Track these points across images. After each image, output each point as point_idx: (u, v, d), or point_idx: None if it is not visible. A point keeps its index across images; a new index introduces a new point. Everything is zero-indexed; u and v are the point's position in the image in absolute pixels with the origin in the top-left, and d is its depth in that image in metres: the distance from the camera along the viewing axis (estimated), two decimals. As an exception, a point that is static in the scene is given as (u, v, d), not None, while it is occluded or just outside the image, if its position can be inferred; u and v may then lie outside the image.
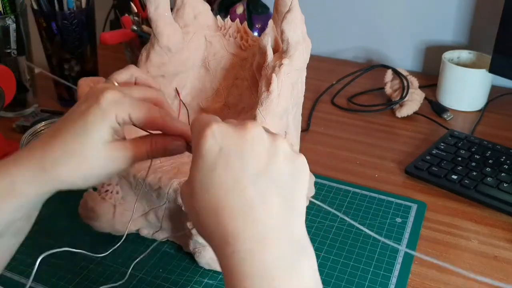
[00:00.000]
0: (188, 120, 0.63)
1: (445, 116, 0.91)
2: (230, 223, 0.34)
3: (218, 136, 0.36)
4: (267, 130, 0.38)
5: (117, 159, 0.42)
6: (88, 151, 0.41)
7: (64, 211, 0.67)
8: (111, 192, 0.60)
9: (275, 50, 0.57)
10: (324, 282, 0.57)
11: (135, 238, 0.63)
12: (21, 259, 0.60)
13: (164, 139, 0.44)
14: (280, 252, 0.33)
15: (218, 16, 0.67)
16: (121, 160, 0.42)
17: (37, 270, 0.59)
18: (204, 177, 0.35)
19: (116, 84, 0.46)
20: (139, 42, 0.90)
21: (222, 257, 0.34)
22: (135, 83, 0.48)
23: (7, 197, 0.40)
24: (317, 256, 0.60)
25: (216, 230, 0.34)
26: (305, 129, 0.87)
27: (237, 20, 0.66)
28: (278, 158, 0.36)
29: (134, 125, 0.43)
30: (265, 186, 0.34)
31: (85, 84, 0.56)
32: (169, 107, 0.47)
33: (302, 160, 0.38)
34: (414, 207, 0.68)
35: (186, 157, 0.61)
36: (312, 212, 0.67)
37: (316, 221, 0.66)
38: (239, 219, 0.34)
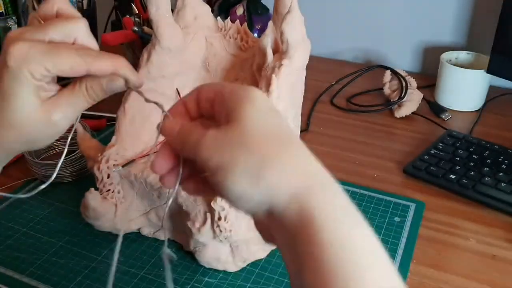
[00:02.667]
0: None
1: (443, 116, 0.91)
2: (305, 158, 0.33)
3: (262, 97, 0.34)
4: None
5: (55, 121, 0.37)
6: (19, 122, 0.36)
7: (66, 210, 0.68)
8: (113, 192, 0.60)
9: (275, 51, 0.58)
10: (323, 280, 0.57)
11: (136, 237, 0.63)
12: (22, 258, 0.60)
13: (99, 80, 0.38)
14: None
15: (218, 17, 0.68)
16: (61, 120, 0.38)
17: (37, 270, 0.59)
18: (263, 118, 0.33)
19: (41, 21, 0.38)
20: (140, 43, 0.90)
21: (310, 200, 0.31)
22: (57, 16, 0.39)
23: None
24: (317, 255, 0.61)
25: (295, 167, 0.32)
26: (304, 129, 0.87)
27: (237, 21, 0.67)
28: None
29: (58, 76, 0.37)
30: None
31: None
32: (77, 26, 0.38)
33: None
34: (413, 206, 0.69)
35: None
36: (312, 212, 0.67)
37: (316, 221, 0.66)
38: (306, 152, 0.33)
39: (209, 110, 0.36)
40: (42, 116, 0.37)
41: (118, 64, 0.37)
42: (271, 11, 1.04)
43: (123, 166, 0.59)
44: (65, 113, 0.38)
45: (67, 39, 0.37)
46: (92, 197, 0.58)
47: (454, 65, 0.93)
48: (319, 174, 0.33)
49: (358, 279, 0.30)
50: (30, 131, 0.37)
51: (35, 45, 0.35)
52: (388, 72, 0.97)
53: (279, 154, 0.32)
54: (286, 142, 0.33)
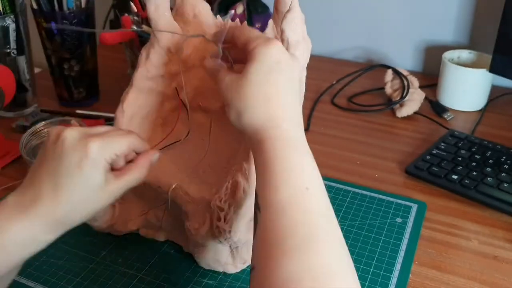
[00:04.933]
0: (188, 120, 0.63)
1: (446, 116, 0.91)
2: (276, 110, 0.46)
3: (280, 49, 0.47)
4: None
5: (115, 192, 0.48)
6: (92, 198, 0.47)
7: (64, 211, 0.67)
8: (111, 192, 0.59)
9: (275, 50, 0.57)
10: (324, 282, 0.57)
11: (135, 238, 0.63)
12: (20, 259, 0.60)
13: (148, 159, 0.51)
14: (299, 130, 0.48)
15: (218, 16, 0.67)
16: (119, 192, 0.49)
17: (35, 271, 0.59)
18: (261, 76, 0.46)
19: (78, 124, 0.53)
20: (139, 42, 0.90)
21: (265, 136, 0.45)
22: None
23: (28, 248, 0.46)
24: (317, 256, 0.60)
25: (263, 115, 0.46)
26: (305, 129, 0.86)
27: (237, 19, 0.66)
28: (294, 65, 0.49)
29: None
30: (298, 90, 0.49)
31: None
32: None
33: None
34: (414, 207, 0.68)
35: (186, 158, 0.61)
36: (312, 212, 0.67)
37: (316, 221, 0.66)
38: (285, 108, 0.47)
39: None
40: (107, 192, 0.48)
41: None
42: (271, 9, 1.04)
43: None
44: (121, 186, 0.49)
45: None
46: (91, 198, 0.58)
47: (456, 64, 0.92)
48: (278, 119, 0.46)
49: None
50: (99, 205, 0.48)
51: (106, 138, 0.48)
52: (389, 72, 0.96)
53: (255, 103, 0.46)
54: (268, 96, 0.46)
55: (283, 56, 0.47)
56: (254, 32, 0.49)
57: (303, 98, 0.61)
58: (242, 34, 0.49)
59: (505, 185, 0.69)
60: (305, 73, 0.59)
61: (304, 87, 0.60)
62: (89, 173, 0.47)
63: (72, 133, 0.48)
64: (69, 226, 0.48)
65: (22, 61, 0.88)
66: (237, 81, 0.47)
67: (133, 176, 0.49)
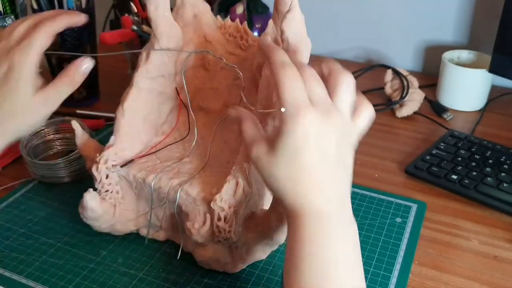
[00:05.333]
0: (188, 120, 0.63)
1: (445, 116, 0.91)
2: (307, 195, 0.42)
3: (310, 120, 0.41)
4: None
5: (47, 102, 0.50)
6: (22, 109, 0.49)
7: (64, 211, 0.68)
8: (111, 192, 0.60)
9: (275, 50, 0.57)
10: (324, 282, 0.57)
11: (135, 238, 0.63)
12: (21, 259, 0.60)
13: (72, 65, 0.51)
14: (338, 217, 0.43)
15: (218, 16, 0.67)
16: (51, 101, 0.51)
17: (36, 271, 0.59)
18: (287, 158, 0.42)
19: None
20: (139, 42, 0.90)
21: (294, 218, 0.42)
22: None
23: None
24: (317, 256, 0.60)
25: (292, 197, 0.42)
26: (305, 129, 0.87)
27: (237, 20, 0.66)
28: (347, 146, 0.44)
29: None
30: (334, 169, 0.43)
31: None
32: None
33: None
34: (414, 207, 0.68)
35: (187, 157, 0.61)
36: (312, 212, 0.67)
37: (316, 221, 0.66)
38: (314, 192, 0.42)
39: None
40: (39, 101, 0.49)
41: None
42: (271, 9, 1.04)
43: (122, 167, 0.58)
44: (53, 97, 0.50)
45: None
46: (91, 198, 0.58)
47: (456, 64, 0.92)
48: (308, 198, 0.42)
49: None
50: (31, 114, 0.50)
51: (26, 45, 0.49)
52: (389, 72, 0.96)
53: (284, 186, 0.43)
54: (295, 178, 0.42)
55: (311, 128, 0.41)
56: (287, 87, 0.42)
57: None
58: (278, 84, 0.43)
59: (504, 185, 0.69)
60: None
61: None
62: (14, 84, 0.48)
63: None
64: (4, 138, 0.49)
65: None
66: (267, 158, 0.43)
67: (62, 83, 0.50)
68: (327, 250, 0.41)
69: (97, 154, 0.59)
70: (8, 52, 0.49)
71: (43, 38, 0.49)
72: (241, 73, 0.57)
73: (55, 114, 0.89)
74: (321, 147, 0.42)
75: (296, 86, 0.42)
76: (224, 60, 0.60)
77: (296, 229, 0.42)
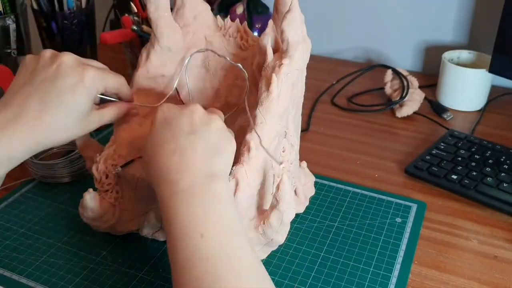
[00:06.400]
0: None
1: (445, 116, 0.91)
2: (165, 163, 0.46)
3: (165, 110, 0.50)
4: (209, 111, 0.51)
5: (93, 123, 0.53)
6: (74, 124, 0.51)
7: (64, 211, 0.68)
8: (111, 192, 0.60)
9: (275, 50, 0.57)
10: (324, 282, 0.57)
11: (135, 238, 0.63)
12: (21, 259, 0.60)
13: (127, 105, 0.57)
14: (198, 177, 0.46)
15: (218, 16, 0.67)
16: (94, 124, 0.53)
17: (36, 271, 0.59)
18: (153, 138, 0.48)
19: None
20: (139, 42, 0.90)
21: (164, 189, 0.46)
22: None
23: (3, 166, 0.48)
24: (317, 256, 0.60)
25: (157, 171, 0.47)
26: (305, 129, 0.87)
27: (237, 20, 0.66)
28: (209, 126, 0.48)
29: (103, 94, 0.53)
30: (194, 138, 0.47)
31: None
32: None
33: (230, 136, 0.50)
34: (414, 207, 0.68)
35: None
36: (312, 212, 0.67)
37: (316, 221, 0.66)
38: (171, 159, 0.46)
39: None
40: (88, 119, 0.52)
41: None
42: (271, 10, 1.04)
43: (122, 167, 0.58)
44: (99, 119, 0.54)
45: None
46: (91, 198, 0.58)
47: (456, 64, 0.92)
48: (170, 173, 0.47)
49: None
50: (78, 131, 0.52)
51: (101, 71, 0.52)
52: (389, 72, 0.97)
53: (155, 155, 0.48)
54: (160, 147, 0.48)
55: (170, 112, 0.49)
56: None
57: (303, 98, 0.61)
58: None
59: (504, 185, 0.69)
60: (305, 73, 0.59)
61: (304, 87, 0.60)
62: (80, 98, 0.50)
63: (69, 58, 0.50)
64: (44, 147, 0.50)
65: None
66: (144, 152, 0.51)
67: (111, 112, 0.54)
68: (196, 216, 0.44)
69: (97, 154, 0.59)
70: (81, 66, 0.50)
71: (115, 80, 0.53)
72: (246, 72, 0.57)
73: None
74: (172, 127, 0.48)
75: None
76: (228, 58, 0.60)
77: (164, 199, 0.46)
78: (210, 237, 0.42)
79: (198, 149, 0.47)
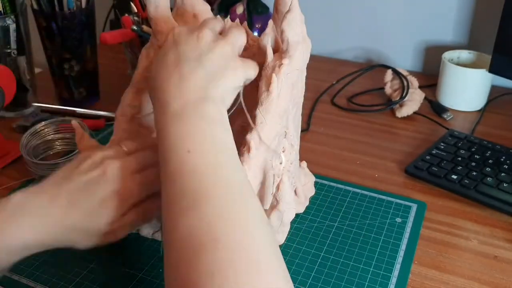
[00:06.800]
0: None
1: (445, 116, 0.91)
2: (163, 85, 0.48)
3: (176, 33, 0.52)
4: (219, 32, 0.53)
5: (115, 235, 0.54)
6: (99, 221, 0.52)
7: (64, 211, 0.67)
8: (111, 192, 0.59)
9: (275, 50, 0.57)
10: (324, 282, 0.57)
11: (135, 238, 0.63)
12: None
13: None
14: (191, 100, 0.47)
15: (218, 16, 0.67)
16: (123, 230, 0.54)
17: (36, 271, 0.59)
18: (159, 58, 0.51)
19: (125, 149, 0.55)
20: (139, 42, 0.90)
21: (158, 108, 0.48)
22: None
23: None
24: (317, 256, 0.60)
25: (156, 91, 0.49)
26: (305, 129, 0.87)
27: (237, 20, 0.66)
28: (213, 53, 0.49)
29: None
30: (194, 66, 0.48)
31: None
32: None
33: (235, 62, 0.51)
34: (414, 207, 0.68)
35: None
36: (312, 212, 0.67)
37: (316, 221, 0.66)
38: (169, 82, 0.48)
39: None
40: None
41: None
42: (271, 10, 1.04)
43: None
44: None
45: None
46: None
47: (456, 64, 0.92)
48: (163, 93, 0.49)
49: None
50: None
51: (125, 161, 0.53)
52: (389, 72, 0.97)
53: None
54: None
55: (180, 36, 0.51)
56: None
57: (303, 98, 0.61)
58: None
59: (504, 185, 0.69)
60: (305, 73, 0.59)
61: (304, 87, 0.60)
62: (103, 197, 0.50)
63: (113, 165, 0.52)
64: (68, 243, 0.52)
65: (22, 61, 0.89)
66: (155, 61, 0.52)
67: (135, 222, 0.54)
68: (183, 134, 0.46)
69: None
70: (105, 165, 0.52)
71: (138, 188, 0.53)
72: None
73: (55, 114, 0.89)
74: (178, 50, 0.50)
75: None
76: None
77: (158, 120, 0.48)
78: (196, 153, 0.44)
79: (197, 76, 0.48)
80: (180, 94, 0.47)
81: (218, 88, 0.49)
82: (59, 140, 0.79)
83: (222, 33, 0.53)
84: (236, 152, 0.47)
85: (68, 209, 0.49)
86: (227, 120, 0.49)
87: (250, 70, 0.53)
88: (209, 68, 0.49)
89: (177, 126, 0.46)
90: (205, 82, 0.48)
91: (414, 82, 0.94)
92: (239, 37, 0.53)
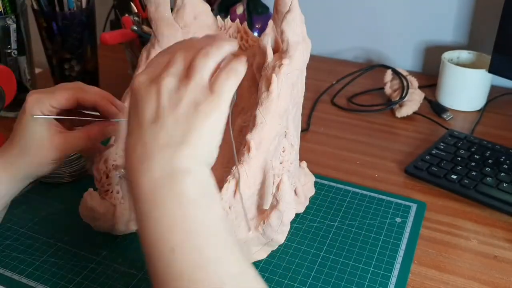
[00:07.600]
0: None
1: (445, 116, 0.91)
2: (130, 157, 0.41)
3: (136, 88, 0.43)
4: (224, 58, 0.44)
5: (60, 148, 0.55)
6: (36, 147, 0.55)
7: (65, 211, 0.68)
8: (111, 192, 0.60)
9: (275, 50, 0.57)
10: (324, 282, 0.57)
11: (135, 238, 0.63)
12: (21, 259, 0.60)
13: (98, 125, 0.57)
14: (159, 177, 0.40)
15: (218, 16, 0.67)
16: (64, 149, 0.56)
17: (36, 270, 0.59)
18: (127, 123, 0.43)
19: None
20: (139, 42, 0.90)
21: (130, 187, 0.42)
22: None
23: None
24: (317, 256, 0.60)
25: (126, 163, 0.42)
26: (305, 129, 0.87)
27: (237, 20, 0.66)
28: (176, 108, 0.41)
29: (63, 111, 0.56)
30: (156, 129, 0.41)
31: None
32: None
33: (207, 109, 0.41)
34: (414, 207, 0.68)
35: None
36: (312, 212, 0.67)
37: (316, 221, 0.66)
38: (134, 153, 0.41)
39: None
40: (52, 144, 0.55)
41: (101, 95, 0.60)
42: (271, 10, 1.04)
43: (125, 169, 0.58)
44: (67, 144, 0.56)
45: None
46: (91, 198, 0.58)
47: (456, 64, 0.92)
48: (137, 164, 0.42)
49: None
50: (44, 154, 0.55)
51: (43, 92, 0.55)
52: (389, 72, 0.97)
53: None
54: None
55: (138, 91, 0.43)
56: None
57: (302, 98, 0.61)
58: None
59: (504, 185, 0.69)
60: (305, 73, 0.59)
61: (304, 87, 0.61)
62: (26, 123, 0.54)
63: (30, 96, 0.55)
64: (20, 171, 0.56)
65: (23, 61, 0.89)
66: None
67: (77, 137, 0.56)
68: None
69: (97, 154, 0.59)
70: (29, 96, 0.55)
71: (65, 95, 0.56)
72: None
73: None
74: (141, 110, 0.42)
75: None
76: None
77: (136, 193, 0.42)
78: (181, 251, 0.38)
79: (160, 142, 0.40)
80: (146, 168, 0.40)
81: (190, 150, 0.40)
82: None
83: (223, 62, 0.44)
84: (226, 227, 0.41)
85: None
86: (212, 187, 0.42)
87: (230, 81, 0.43)
88: (173, 130, 0.40)
89: (152, 217, 0.40)
90: (170, 151, 0.40)
91: (414, 82, 0.94)
92: (206, 64, 0.42)
